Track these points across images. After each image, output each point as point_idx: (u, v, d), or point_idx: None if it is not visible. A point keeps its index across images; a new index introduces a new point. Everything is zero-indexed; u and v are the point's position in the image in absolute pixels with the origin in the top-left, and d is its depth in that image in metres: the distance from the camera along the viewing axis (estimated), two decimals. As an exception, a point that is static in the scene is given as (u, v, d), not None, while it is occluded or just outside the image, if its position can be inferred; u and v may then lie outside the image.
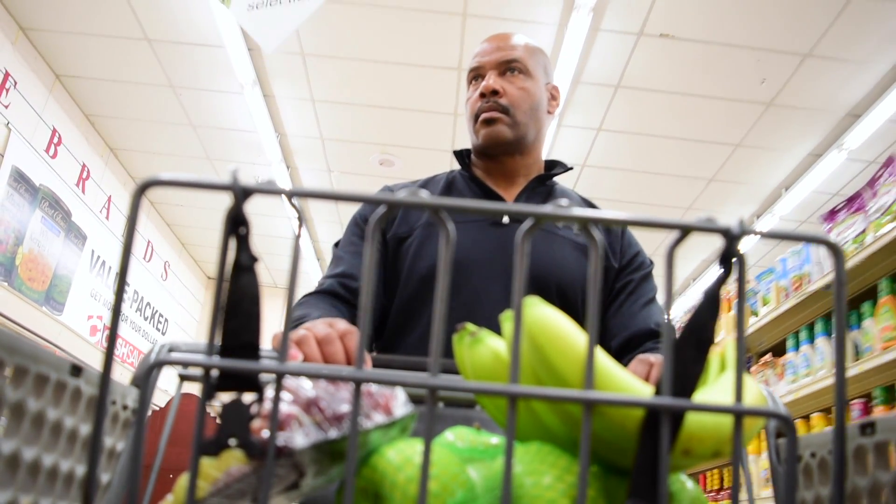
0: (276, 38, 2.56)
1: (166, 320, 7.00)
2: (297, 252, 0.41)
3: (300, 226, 0.41)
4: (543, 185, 1.47)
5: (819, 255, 3.45)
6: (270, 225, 6.51)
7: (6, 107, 4.20)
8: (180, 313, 7.30)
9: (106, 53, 4.40)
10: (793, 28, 3.86)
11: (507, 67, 1.41)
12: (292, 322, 1.12)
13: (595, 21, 3.90)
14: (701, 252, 6.68)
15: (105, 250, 5.68)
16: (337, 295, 1.29)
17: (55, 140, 4.77)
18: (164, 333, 6.92)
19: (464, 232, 1.31)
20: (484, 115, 1.38)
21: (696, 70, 4.26)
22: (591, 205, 1.49)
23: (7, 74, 4.15)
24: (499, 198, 1.41)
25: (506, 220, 1.36)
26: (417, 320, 1.31)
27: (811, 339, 3.48)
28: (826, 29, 3.84)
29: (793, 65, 4.14)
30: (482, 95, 1.39)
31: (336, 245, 1.42)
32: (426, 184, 1.48)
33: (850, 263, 3.03)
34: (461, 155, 1.51)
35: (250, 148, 5.31)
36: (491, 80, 1.39)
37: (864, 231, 3.16)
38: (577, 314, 1.31)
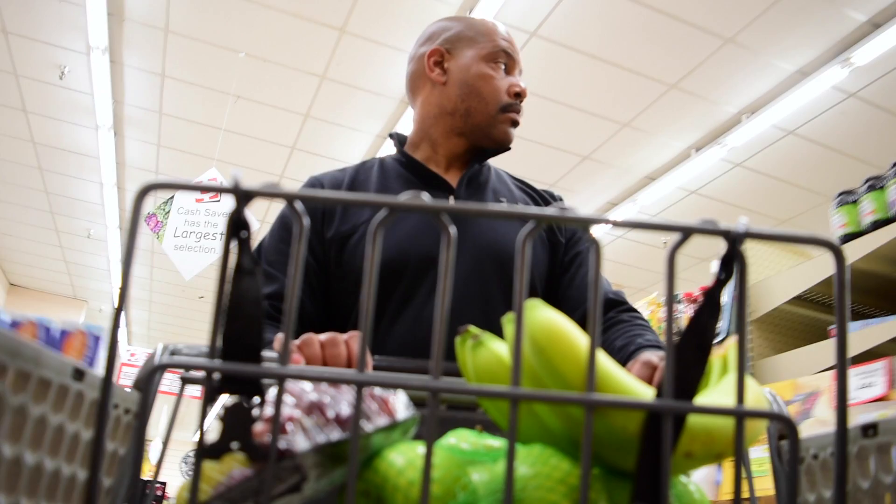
0: (192, 271, 3.98)
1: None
2: (298, 256, 0.41)
3: (301, 228, 0.42)
4: (479, 166, 1.41)
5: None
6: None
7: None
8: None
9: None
10: (717, 12, 3.85)
11: (519, 71, 1.40)
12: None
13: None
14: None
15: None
16: (277, 319, 1.19)
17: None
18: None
19: (403, 224, 1.25)
20: (515, 116, 1.35)
21: (613, 35, 4.08)
22: (521, 182, 1.47)
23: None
24: (443, 181, 1.35)
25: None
26: (376, 321, 1.23)
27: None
28: (749, 21, 3.85)
29: (709, 49, 4.07)
30: (517, 95, 1.34)
31: (257, 250, 1.29)
32: (357, 172, 1.38)
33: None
34: (395, 138, 1.43)
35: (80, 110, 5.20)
36: (524, 84, 1.36)
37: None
38: (536, 295, 1.29)
